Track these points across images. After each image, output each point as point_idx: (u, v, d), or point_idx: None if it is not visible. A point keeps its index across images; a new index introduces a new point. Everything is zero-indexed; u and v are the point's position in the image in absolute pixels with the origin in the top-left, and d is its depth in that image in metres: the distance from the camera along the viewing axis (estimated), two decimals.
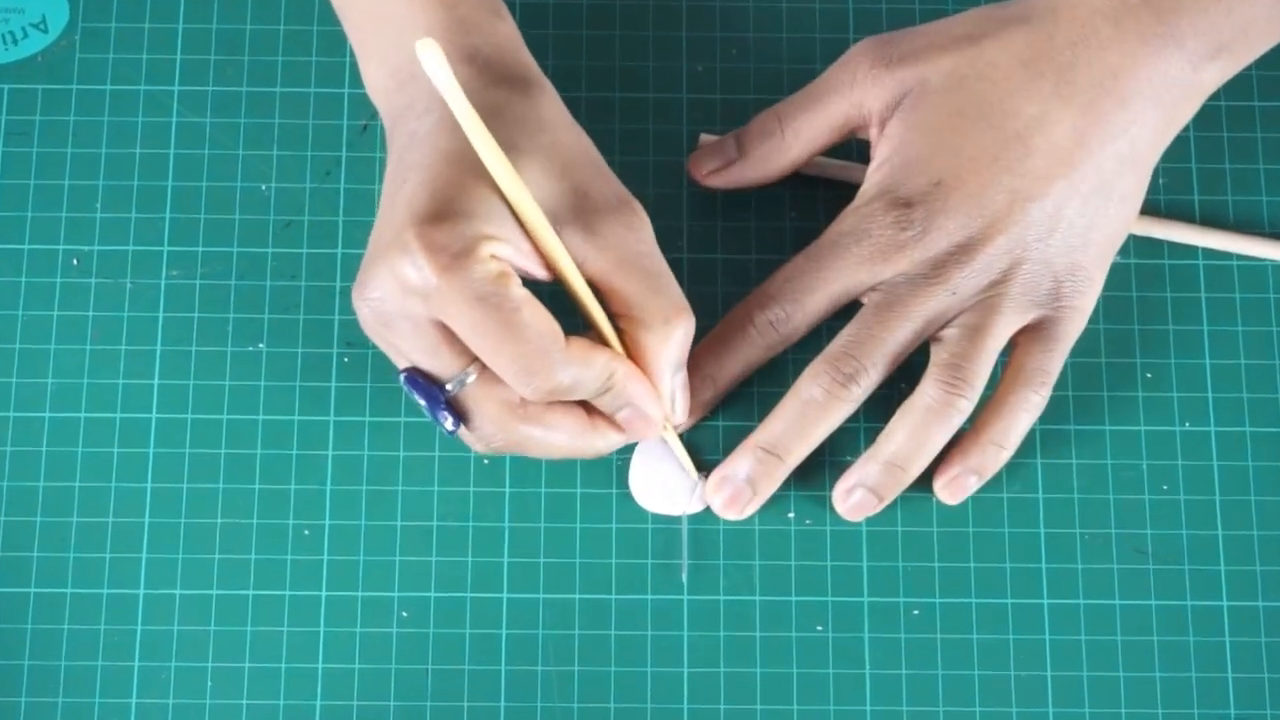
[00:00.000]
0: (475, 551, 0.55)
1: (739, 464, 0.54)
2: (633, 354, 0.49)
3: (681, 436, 0.56)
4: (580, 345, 0.47)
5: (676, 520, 0.55)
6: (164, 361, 0.57)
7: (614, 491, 0.56)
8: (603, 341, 0.49)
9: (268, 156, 0.59)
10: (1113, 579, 0.55)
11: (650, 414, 0.50)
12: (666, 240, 0.53)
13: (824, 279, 0.53)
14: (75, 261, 0.57)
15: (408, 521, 0.56)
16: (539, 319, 0.46)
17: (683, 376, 0.51)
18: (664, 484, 0.55)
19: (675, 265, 0.52)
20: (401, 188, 0.47)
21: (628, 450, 0.55)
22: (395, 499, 0.56)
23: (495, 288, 0.45)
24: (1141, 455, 0.56)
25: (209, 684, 0.54)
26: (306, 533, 0.55)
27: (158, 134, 0.59)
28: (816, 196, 0.59)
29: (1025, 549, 0.56)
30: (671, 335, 0.48)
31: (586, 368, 0.47)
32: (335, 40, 0.59)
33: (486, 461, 0.56)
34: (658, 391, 0.50)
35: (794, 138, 0.55)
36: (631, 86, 0.59)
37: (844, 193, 0.56)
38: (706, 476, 0.55)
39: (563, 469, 0.56)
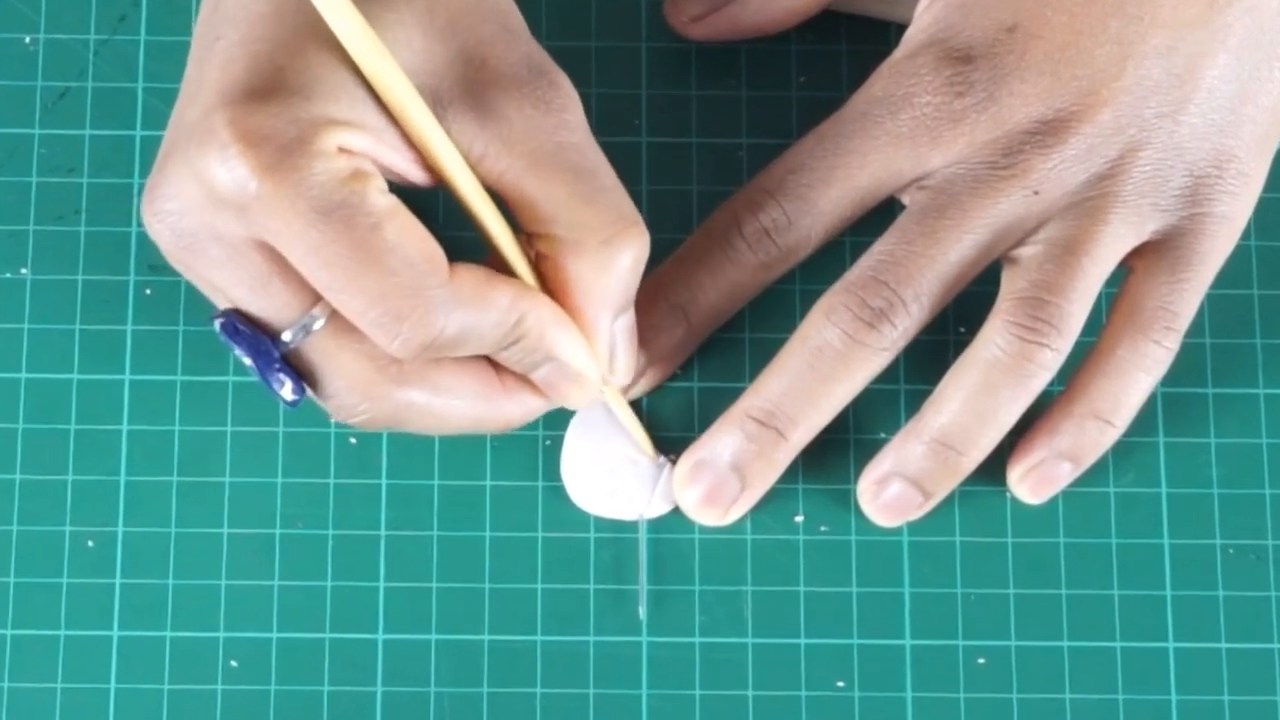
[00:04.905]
0: (338, 572, 0.51)
1: (721, 442, 0.49)
2: (555, 289, 0.46)
3: (635, 403, 0.51)
4: (472, 277, 0.43)
5: (632, 527, 0.51)
6: None
7: (540, 484, 0.51)
8: (506, 271, 0.45)
9: None
10: (1270, 612, 0.51)
11: (582, 372, 0.46)
12: (618, 117, 0.52)
13: (845, 167, 0.48)
14: None
15: (238, 528, 0.51)
16: (410, 239, 0.42)
17: (628, 320, 0.47)
18: (613, 473, 0.51)
19: (630, 152, 0.52)
20: (213, 47, 0.43)
21: (560, 423, 0.51)
22: (221, 494, 0.51)
23: (344, 195, 0.41)
24: None
25: None
26: (91, 544, 0.51)
27: None
28: (838, 53, 0.54)
29: (1142, 569, 0.51)
30: (613, 261, 0.45)
31: (482, 310, 0.43)
32: None
33: (354, 440, 0.51)
34: (591, 341, 0.46)
35: None
36: None
37: (878, 47, 0.52)
38: (674, 461, 0.50)
39: (463, 451, 0.52)
